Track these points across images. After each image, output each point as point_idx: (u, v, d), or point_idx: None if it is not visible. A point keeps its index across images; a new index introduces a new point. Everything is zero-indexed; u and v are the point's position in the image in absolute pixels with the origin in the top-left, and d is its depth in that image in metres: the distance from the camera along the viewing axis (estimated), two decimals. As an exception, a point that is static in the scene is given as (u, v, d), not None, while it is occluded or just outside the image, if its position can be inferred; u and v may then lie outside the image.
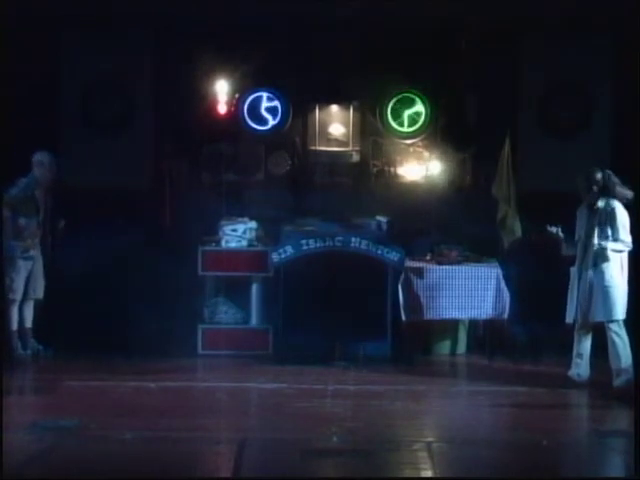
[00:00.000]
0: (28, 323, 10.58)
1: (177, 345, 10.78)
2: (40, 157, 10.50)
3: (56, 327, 10.65)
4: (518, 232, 11.24)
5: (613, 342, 9.47)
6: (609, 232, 9.50)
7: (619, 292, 9.49)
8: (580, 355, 9.69)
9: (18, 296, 10.41)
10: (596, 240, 9.52)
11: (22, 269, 10.39)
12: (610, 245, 9.50)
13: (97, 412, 9.17)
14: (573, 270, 9.73)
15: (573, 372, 9.70)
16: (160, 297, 10.90)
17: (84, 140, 11.38)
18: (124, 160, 10.90)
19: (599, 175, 9.58)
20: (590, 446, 7.96)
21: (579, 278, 9.61)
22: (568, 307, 9.69)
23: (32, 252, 10.43)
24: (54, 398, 9.15)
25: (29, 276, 10.47)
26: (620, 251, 9.53)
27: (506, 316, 10.75)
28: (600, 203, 9.57)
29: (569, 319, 9.68)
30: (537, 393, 9.52)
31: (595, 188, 9.55)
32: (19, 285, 10.38)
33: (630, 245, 9.54)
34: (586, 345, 9.70)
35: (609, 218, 9.50)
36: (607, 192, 9.55)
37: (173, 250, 11.21)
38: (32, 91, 11.41)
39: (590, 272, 9.53)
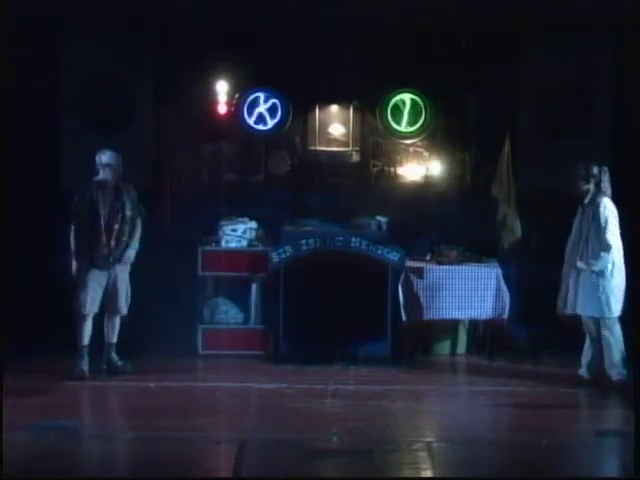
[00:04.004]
0: (110, 338, 10.11)
1: (177, 345, 10.78)
2: (108, 159, 9.99)
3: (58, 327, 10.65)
4: (518, 232, 11.25)
5: (605, 338, 9.52)
6: (595, 232, 9.48)
7: (608, 289, 9.48)
8: (583, 352, 9.72)
9: (88, 311, 9.92)
10: (583, 241, 9.54)
11: (93, 282, 9.89)
12: (592, 250, 9.48)
13: (97, 412, 9.20)
14: (565, 266, 9.74)
15: (582, 370, 9.76)
16: (160, 297, 10.89)
17: (84, 140, 11.37)
18: (124, 160, 10.87)
19: (595, 169, 9.57)
20: (590, 446, 7.96)
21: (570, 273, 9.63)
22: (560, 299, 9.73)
23: (101, 261, 9.92)
24: (54, 398, 9.16)
25: (107, 289, 10.00)
26: (601, 256, 9.48)
27: (506, 316, 10.75)
28: (587, 199, 9.57)
29: (559, 310, 9.71)
30: (537, 393, 9.53)
31: (587, 182, 9.54)
32: (87, 299, 9.87)
33: (609, 248, 9.43)
34: (588, 345, 9.72)
35: (595, 217, 9.49)
36: (599, 188, 9.56)
37: (173, 250, 11.20)
38: (32, 91, 11.40)
39: (580, 268, 9.53)
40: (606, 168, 9.62)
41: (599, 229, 9.45)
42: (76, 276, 9.93)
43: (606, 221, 9.43)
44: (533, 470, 7.24)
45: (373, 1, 11.04)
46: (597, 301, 9.48)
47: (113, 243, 10.01)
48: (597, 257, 9.46)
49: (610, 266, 9.47)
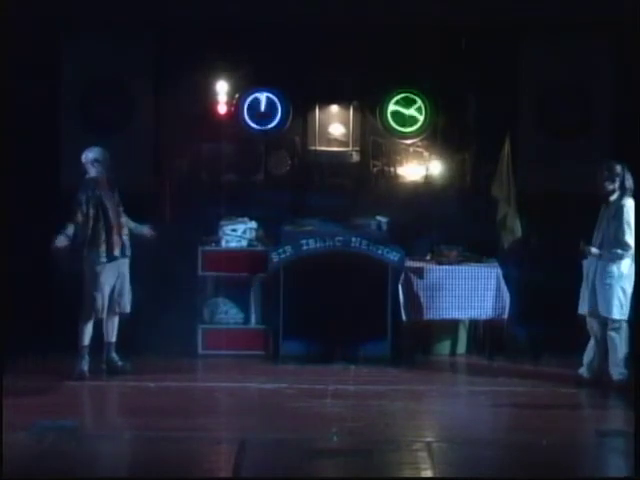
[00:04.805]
0: (109, 337, 10.09)
1: (177, 345, 10.78)
2: (94, 155, 9.97)
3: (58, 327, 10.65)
4: (518, 232, 11.25)
5: (611, 337, 9.53)
6: (613, 231, 9.50)
7: (620, 291, 9.48)
8: (586, 351, 9.73)
9: (97, 313, 9.90)
10: (600, 238, 9.55)
11: (103, 282, 9.86)
12: (609, 249, 9.49)
13: (97, 412, 9.20)
14: (586, 262, 9.72)
15: (583, 369, 9.76)
16: (160, 297, 10.89)
17: (84, 140, 11.37)
18: (124, 160, 10.89)
19: (618, 168, 9.56)
20: (590, 446, 7.96)
21: (591, 271, 9.63)
22: (580, 300, 9.71)
23: (115, 253, 9.90)
24: (54, 398, 9.15)
25: (114, 288, 9.98)
26: (618, 254, 9.49)
27: (506, 316, 10.75)
28: (612, 198, 9.56)
29: (581, 310, 9.70)
30: (537, 393, 9.54)
31: (613, 182, 9.53)
32: (100, 301, 9.84)
33: (629, 249, 9.45)
34: (590, 341, 9.72)
35: (617, 216, 9.49)
36: (624, 187, 9.54)
37: (173, 250, 11.20)
38: (32, 91, 11.40)
39: (596, 266, 9.54)
40: (627, 166, 9.60)
41: (620, 228, 9.44)
42: (88, 275, 9.91)
43: (629, 222, 9.42)
44: (533, 470, 7.24)
45: (373, 1, 11.04)
46: (608, 301, 9.48)
47: (125, 237, 10.05)
48: (613, 254, 9.46)
49: (625, 268, 9.47)
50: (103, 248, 9.93)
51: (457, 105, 12.02)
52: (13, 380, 9.06)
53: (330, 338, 10.75)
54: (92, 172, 10.05)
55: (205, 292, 11.22)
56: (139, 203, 10.80)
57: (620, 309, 9.47)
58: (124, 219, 10.12)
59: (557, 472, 7.29)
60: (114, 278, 10.03)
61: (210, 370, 10.57)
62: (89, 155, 10.04)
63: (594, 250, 9.53)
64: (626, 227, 9.42)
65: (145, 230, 10.25)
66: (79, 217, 9.92)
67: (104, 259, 9.94)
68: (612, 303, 9.47)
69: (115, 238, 9.98)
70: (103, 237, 9.94)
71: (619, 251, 9.45)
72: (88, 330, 9.97)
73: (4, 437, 7.29)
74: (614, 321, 9.50)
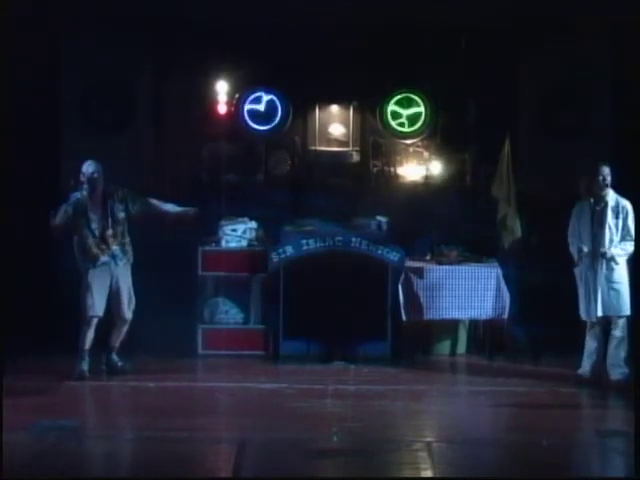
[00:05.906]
0: (113, 342, 10.12)
1: (177, 345, 10.78)
2: (83, 169, 9.94)
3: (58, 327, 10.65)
4: (518, 232, 11.25)
5: (617, 337, 9.52)
6: (619, 230, 9.52)
7: (627, 289, 9.52)
8: (589, 354, 9.72)
9: (95, 313, 9.92)
10: (607, 238, 9.55)
11: (97, 284, 9.91)
12: (620, 245, 9.53)
13: (97, 412, 9.20)
14: (578, 269, 9.73)
15: (583, 370, 9.76)
16: (160, 297, 10.88)
17: (84, 140, 11.38)
18: (124, 160, 10.89)
19: (607, 170, 9.60)
20: (590, 446, 7.97)
21: (591, 274, 9.61)
22: (582, 305, 9.70)
23: (104, 259, 9.93)
24: (54, 398, 9.16)
25: (110, 292, 9.98)
26: (627, 251, 9.54)
27: (506, 316, 10.76)
28: (609, 199, 9.58)
29: (584, 316, 9.70)
30: (537, 393, 9.54)
31: (604, 183, 9.58)
32: (93, 302, 9.89)
33: (633, 241, 9.53)
34: (593, 344, 9.72)
35: (621, 215, 9.53)
36: (612, 187, 9.61)
37: (173, 250, 11.20)
38: (32, 91, 11.40)
39: (601, 268, 9.54)
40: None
41: (627, 226, 9.53)
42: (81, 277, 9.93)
43: (632, 219, 9.51)
44: (533, 470, 7.24)
45: (373, 1, 11.04)
46: (623, 299, 9.53)
47: (115, 247, 10.00)
48: (626, 251, 9.55)
49: (628, 265, 9.51)
50: (88, 255, 9.94)
51: (457, 105, 12.02)
52: (13, 380, 9.05)
53: (330, 338, 10.75)
54: (85, 185, 9.98)
55: (205, 292, 11.22)
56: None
57: (630, 306, 9.51)
58: (116, 229, 10.01)
59: (557, 472, 7.30)
60: (105, 281, 10.00)
61: (210, 370, 10.57)
62: (81, 169, 9.99)
63: (608, 251, 9.54)
64: (631, 224, 9.49)
65: (190, 212, 10.28)
66: (61, 212, 9.91)
67: (89, 265, 9.95)
68: (626, 300, 9.52)
69: (102, 247, 9.95)
70: (87, 246, 9.95)
71: (629, 247, 9.50)
72: (89, 335, 9.97)
73: (4, 437, 7.29)
74: (620, 319, 9.52)
